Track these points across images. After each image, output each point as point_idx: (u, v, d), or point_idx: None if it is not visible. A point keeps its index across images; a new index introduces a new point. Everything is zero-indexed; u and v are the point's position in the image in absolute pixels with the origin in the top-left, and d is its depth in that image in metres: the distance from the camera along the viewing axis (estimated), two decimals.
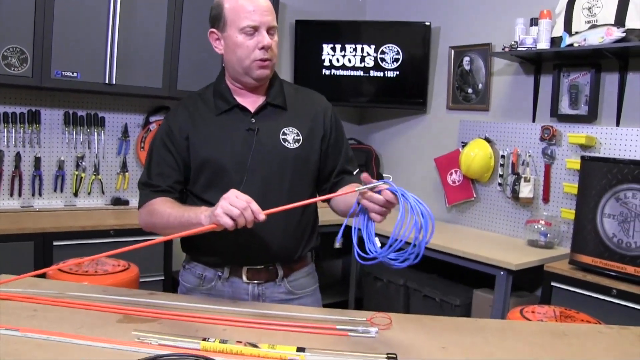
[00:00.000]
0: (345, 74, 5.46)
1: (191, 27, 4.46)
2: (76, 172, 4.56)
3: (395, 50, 5.31)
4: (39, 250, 3.80)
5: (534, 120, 4.46)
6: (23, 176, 4.35)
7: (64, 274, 3.07)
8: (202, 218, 1.87)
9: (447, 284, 4.58)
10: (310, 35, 5.56)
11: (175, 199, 2.18)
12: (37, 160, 4.38)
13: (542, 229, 4.20)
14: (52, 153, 4.47)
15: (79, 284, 2.53)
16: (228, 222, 1.75)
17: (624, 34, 3.61)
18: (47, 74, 3.96)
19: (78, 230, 3.97)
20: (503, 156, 4.60)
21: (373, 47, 5.36)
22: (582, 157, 3.69)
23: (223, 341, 1.61)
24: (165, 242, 4.17)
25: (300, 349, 1.59)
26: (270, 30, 2.12)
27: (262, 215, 1.78)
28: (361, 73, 5.43)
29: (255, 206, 1.77)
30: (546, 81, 4.37)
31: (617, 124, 3.95)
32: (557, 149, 4.27)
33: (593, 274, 3.47)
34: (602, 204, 3.47)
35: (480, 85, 4.88)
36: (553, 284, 3.61)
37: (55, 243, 3.86)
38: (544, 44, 4.04)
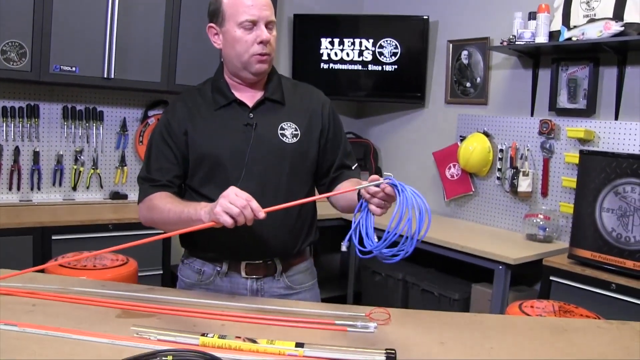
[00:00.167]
0: (343, 68, 5.46)
1: (189, 21, 4.45)
2: (75, 166, 4.56)
3: (394, 44, 5.30)
4: (38, 245, 3.81)
5: (532, 114, 4.46)
6: (22, 170, 4.34)
7: (63, 268, 3.07)
8: (201, 215, 1.87)
9: (446, 278, 4.58)
10: (308, 29, 5.55)
11: (175, 193, 2.18)
12: (36, 155, 4.38)
13: (541, 223, 4.20)
14: (50, 147, 4.47)
15: (77, 279, 2.53)
16: (228, 221, 1.75)
17: (622, 28, 3.60)
18: (46, 68, 3.96)
19: (77, 225, 3.97)
20: (501, 150, 4.60)
21: (371, 41, 5.35)
22: (581, 151, 3.69)
23: (222, 336, 1.61)
24: None
25: (299, 345, 1.59)
26: (268, 25, 2.12)
27: (262, 214, 1.78)
28: (359, 67, 5.42)
29: (255, 204, 1.77)
30: (544, 75, 4.37)
31: (616, 118, 3.95)
32: (555, 143, 4.27)
33: (592, 269, 3.47)
34: (600, 198, 3.47)
35: (478, 79, 4.88)
36: (552, 278, 3.62)
37: (53, 237, 3.86)
38: (542, 38, 4.03)
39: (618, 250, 3.37)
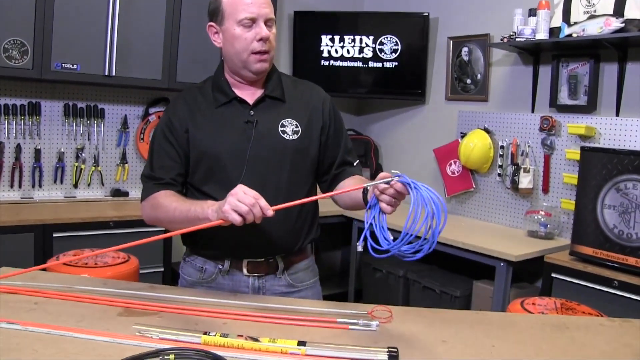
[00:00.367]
0: (343, 64, 5.45)
1: (190, 19, 4.45)
2: (76, 164, 4.56)
3: (394, 41, 5.30)
4: (39, 242, 3.81)
5: (533, 111, 4.46)
6: (23, 168, 4.35)
7: (64, 266, 3.07)
8: (209, 213, 1.87)
9: (447, 275, 4.58)
10: (308, 27, 5.54)
11: (178, 191, 2.18)
12: (37, 152, 4.38)
13: (542, 219, 4.20)
14: (52, 145, 4.47)
15: (79, 277, 2.53)
16: (237, 219, 1.75)
17: (622, 24, 3.60)
18: (48, 66, 3.97)
19: (78, 222, 3.97)
20: (502, 147, 4.60)
21: (371, 37, 5.35)
22: (582, 148, 3.69)
23: (224, 335, 1.61)
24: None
25: (301, 343, 1.59)
26: (268, 22, 2.12)
27: (270, 211, 1.78)
28: (360, 64, 5.42)
29: (263, 202, 1.77)
30: (545, 71, 4.36)
31: (617, 114, 3.94)
32: (556, 140, 4.27)
33: (594, 265, 3.46)
34: (602, 194, 3.47)
35: (479, 76, 4.87)
36: (553, 275, 3.61)
37: (55, 234, 3.86)
38: (542, 35, 4.02)
39: (620, 247, 3.37)
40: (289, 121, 2.22)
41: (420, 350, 1.68)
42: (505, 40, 4.25)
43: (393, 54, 5.31)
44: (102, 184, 4.71)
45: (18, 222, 3.78)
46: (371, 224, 1.80)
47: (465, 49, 4.96)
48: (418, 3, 5.37)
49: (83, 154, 4.59)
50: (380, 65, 5.36)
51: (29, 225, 3.80)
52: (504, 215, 4.67)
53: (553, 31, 4.01)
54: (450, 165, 5.01)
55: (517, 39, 4.16)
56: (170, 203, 2.06)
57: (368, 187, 1.93)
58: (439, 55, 5.27)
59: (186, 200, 2.09)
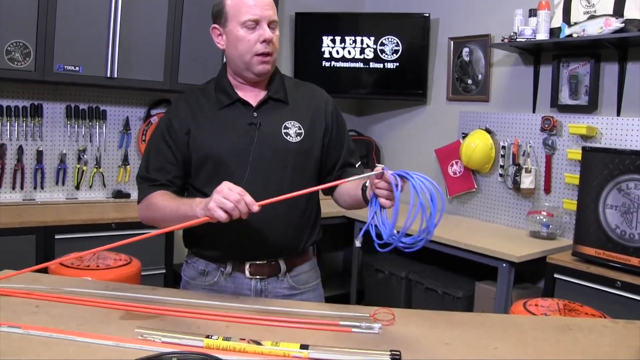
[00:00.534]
0: (345, 65, 5.45)
1: (192, 20, 4.45)
2: (78, 166, 4.56)
3: (395, 41, 5.30)
4: (41, 244, 3.81)
5: (534, 111, 4.45)
6: (25, 169, 4.35)
7: (66, 268, 3.06)
8: (196, 211, 1.89)
9: (449, 276, 4.56)
10: (310, 28, 5.54)
11: (174, 192, 2.19)
12: (39, 154, 4.38)
13: (544, 220, 4.19)
14: (54, 146, 4.47)
15: (80, 279, 2.54)
16: (222, 215, 1.78)
17: (622, 25, 3.60)
18: (50, 68, 3.97)
19: (80, 224, 3.97)
20: (504, 147, 4.59)
21: (372, 38, 5.35)
22: (583, 148, 3.68)
23: (226, 338, 1.61)
24: (166, 235, 4.19)
25: (304, 346, 1.59)
26: (271, 24, 2.13)
27: (255, 207, 1.80)
28: (361, 65, 5.42)
29: (248, 198, 1.79)
30: (546, 72, 4.36)
31: (618, 114, 3.94)
32: (557, 140, 4.27)
33: (596, 266, 3.45)
34: (604, 194, 3.46)
35: (480, 76, 4.87)
36: (556, 275, 3.60)
37: (57, 236, 3.86)
38: (543, 35, 4.02)
39: (622, 247, 3.36)
40: (292, 123, 2.23)
41: (423, 352, 1.68)
42: (505, 40, 4.25)
43: (394, 54, 5.31)
44: (104, 186, 4.71)
45: (20, 223, 3.78)
46: (373, 217, 1.82)
47: (466, 50, 4.96)
48: (419, 4, 5.36)
49: (85, 156, 4.59)
50: (381, 66, 5.36)
51: (31, 227, 3.80)
52: (506, 216, 4.67)
53: (553, 31, 4.01)
54: (452, 165, 5.01)
55: (517, 40, 4.16)
56: (162, 202, 2.08)
57: (366, 185, 1.94)
58: (440, 56, 5.27)
59: (177, 198, 2.11)
